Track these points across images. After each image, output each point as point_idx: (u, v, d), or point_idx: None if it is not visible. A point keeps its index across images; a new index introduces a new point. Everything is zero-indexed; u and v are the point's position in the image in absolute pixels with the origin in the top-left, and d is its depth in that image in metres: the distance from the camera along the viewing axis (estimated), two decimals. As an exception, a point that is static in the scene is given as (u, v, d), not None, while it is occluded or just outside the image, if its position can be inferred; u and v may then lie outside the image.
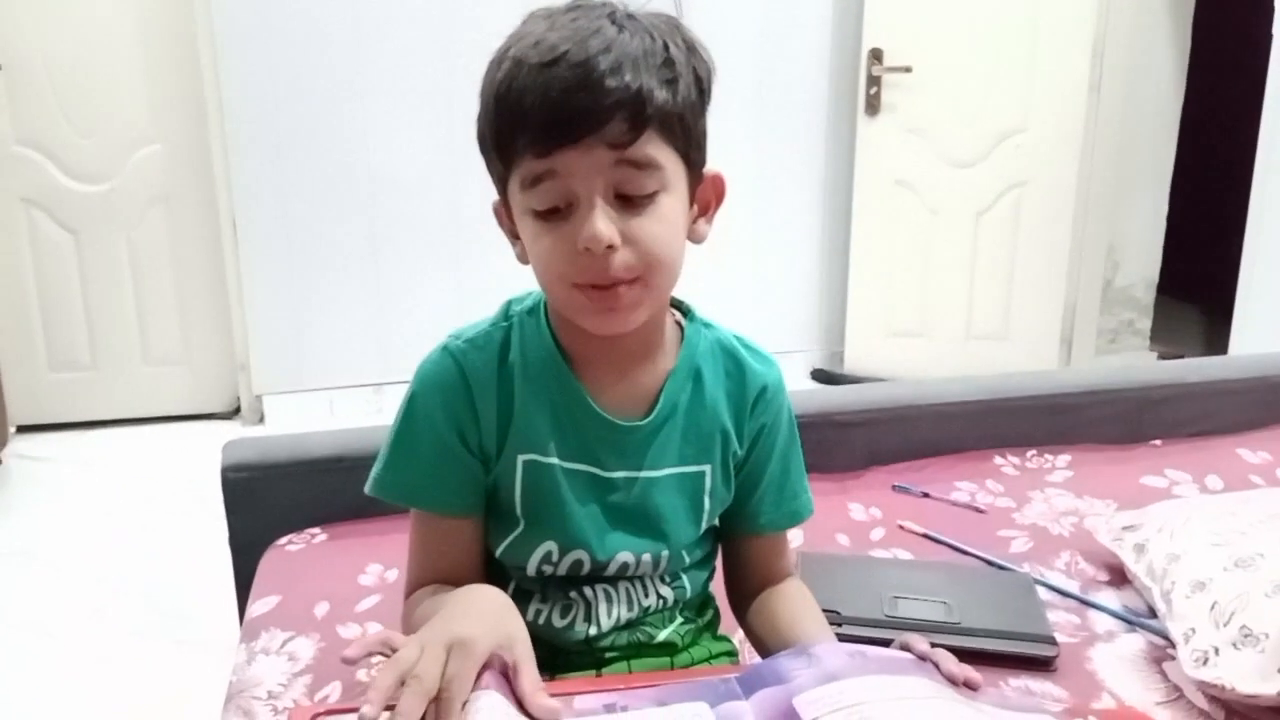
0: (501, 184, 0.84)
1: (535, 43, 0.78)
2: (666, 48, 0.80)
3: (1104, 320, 3.69)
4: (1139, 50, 3.47)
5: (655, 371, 0.92)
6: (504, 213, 0.88)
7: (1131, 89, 3.48)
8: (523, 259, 0.87)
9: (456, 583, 0.87)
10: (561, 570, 0.92)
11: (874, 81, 3.38)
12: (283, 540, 1.45)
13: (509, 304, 0.94)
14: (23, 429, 3.23)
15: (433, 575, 0.91)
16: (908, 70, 3.35)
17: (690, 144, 0.83)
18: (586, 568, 0.92)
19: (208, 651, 2.07)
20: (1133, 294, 3.73)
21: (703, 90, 0.84)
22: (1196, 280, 4.02)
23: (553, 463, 0.90)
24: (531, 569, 0.92)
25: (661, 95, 0.78)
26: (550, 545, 0.91)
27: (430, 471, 0.90)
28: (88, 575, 2.45)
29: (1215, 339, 3.75)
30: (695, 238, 0.88)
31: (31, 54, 3.08)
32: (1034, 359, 3.52)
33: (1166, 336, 3.86)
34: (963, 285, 3.56)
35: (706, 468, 0.94)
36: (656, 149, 0.79)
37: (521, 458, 0.90)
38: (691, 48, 0.83)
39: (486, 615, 0.78)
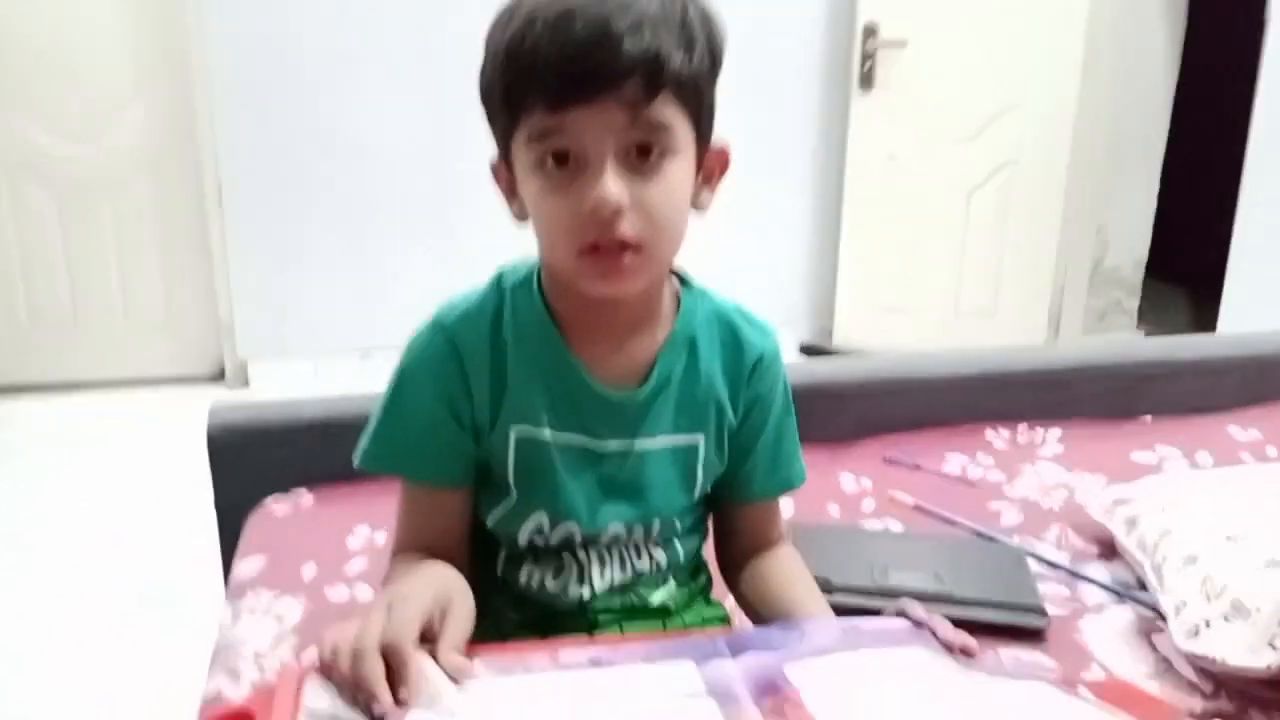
0: (505, 139, 0.83)
1: None
2: (685, 10, 0.79)
3: (1092, 300, 3.69)
4: (1133, 30, 3.46)
5: (650, 341, 0.91)
6: (503, 170, 0.86)
7: (1124, 69, 3.47)
8: (520, 217, 0.86)
9: (442, 550, 0.87)
10: (553, 541, 0.92)
11: (868, 56, 3.35)
12: (269, 501, 1.44)
13: (500, 275, 0.92)
14: (1, 390, 3.20)
15: (418, 543, 0.90)
16: (902, 45, 3.33)
17: (702, 111, 0.82)
18: (578, 538, 0.92)
19: (192, 615, 2.05)
20: (1121, 274, 3.74)
21: (715, 59, 0.83)
22: (1185, 261, 4.02)
23: (545, 435, 0.89)
24: (523, 539, 0.92)
25: (679, 58, 0.77)
26: (541, 517, 0.91)
27: (421, 445, 0.90)
28: (69, 540, 2.43)
29: (1203, 320, 3.76)
30: (698, 205, 0.87)
31: (11, 14, 3.03)
32: (1021, 337, 3.53)
33: (1154, 317, 3.87)
34: (952, 262, 3.56)
35: (700, 438, 0.93)
36: (671, 113, 0.78)
37: (514, 430, 0.89)
38: (706, 15, 0.82)
39: (429, 575, 0.81)
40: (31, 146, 3.14)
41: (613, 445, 0.90)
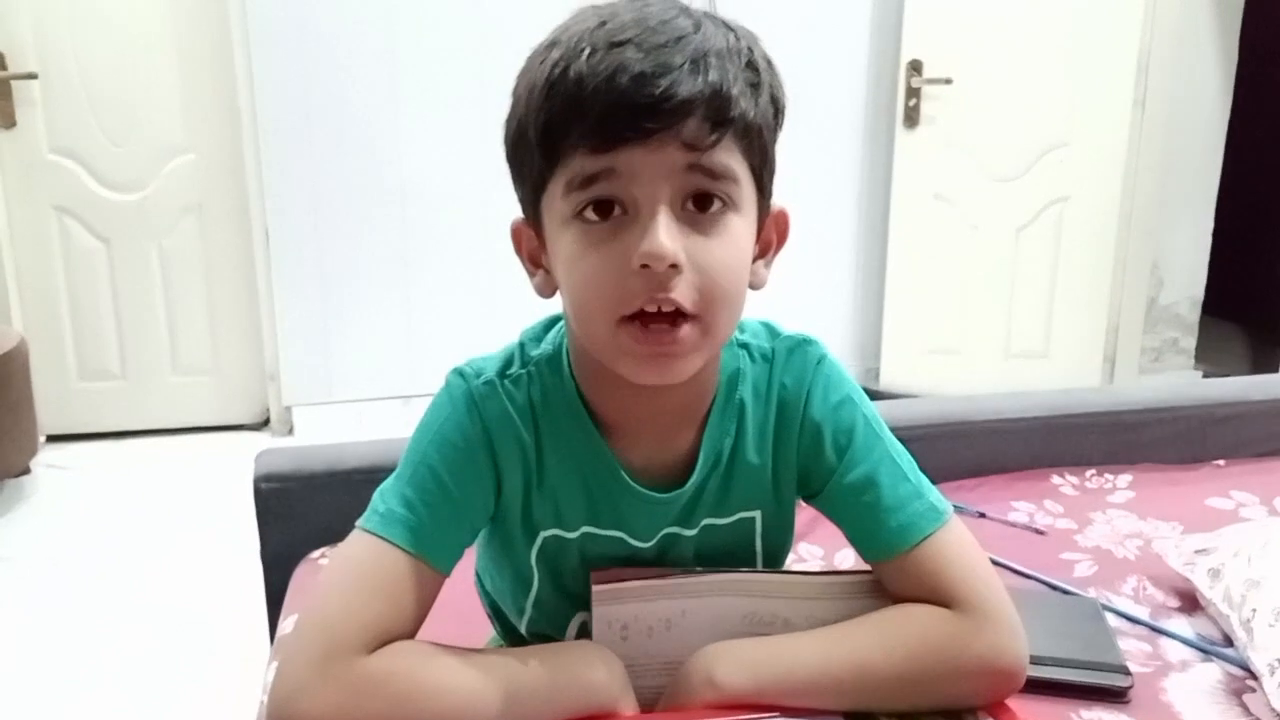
0: (535, 192, 0.73)
1: (599, 24, 0.68)
2: (750, 50, 0.71)
3: (1147, 339, 3.61)
4: (1184, 64, 3.41)
5: (695, 421, 0.81)
6: (527, 232, 0.77)
7: (1176, 103, 3.41)
8: (543, 291, 0.77)
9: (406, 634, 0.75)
10: None
11: (913, 93, 3.32)
12: (316, 554, 1.41)
13: (523, 345, 0.82)
14: (52, 438, 3.22)
15: (397, 627, 0.74)
16: (948, 82, 3.29)
17: (765, 166, 0.74)
18: None
19: (238, 667, 2.03)
20: (1177, 312, 3.65)
21: (778, 111, 0.74)
22: (1242, 298, 3.93)
23: (576, 535, 0.81)
24: (571, 634, 0.85)
25: (745, 100, 0.69)
26: (584, 615, 0.84)
27: (443, 525, 0.77)
28: (115, 586, 2.41)
29: (1262, 358, 3.67)
30: (754, 282, 0.76)
31: (66, 62, 3.08)
32: (1075, 378, 3.45)
33: (1212, 356, 3.77)
34: (1002, 302, 3.49)
35: (756, 513, 0.84)
36: (734, 160, 0.70)
37: (544, 533, 0.82)
38: (771, 62, 0.74)
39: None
40: (82, 192, 3.18)
41: (652, 543, 0.83)
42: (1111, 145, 3.35)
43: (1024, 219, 3.43)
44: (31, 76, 3.05)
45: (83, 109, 3.12)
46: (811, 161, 3.45)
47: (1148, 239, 3.49)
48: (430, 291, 3.32)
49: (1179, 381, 3.47)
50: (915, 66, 3.30)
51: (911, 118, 3.36)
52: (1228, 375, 3.47)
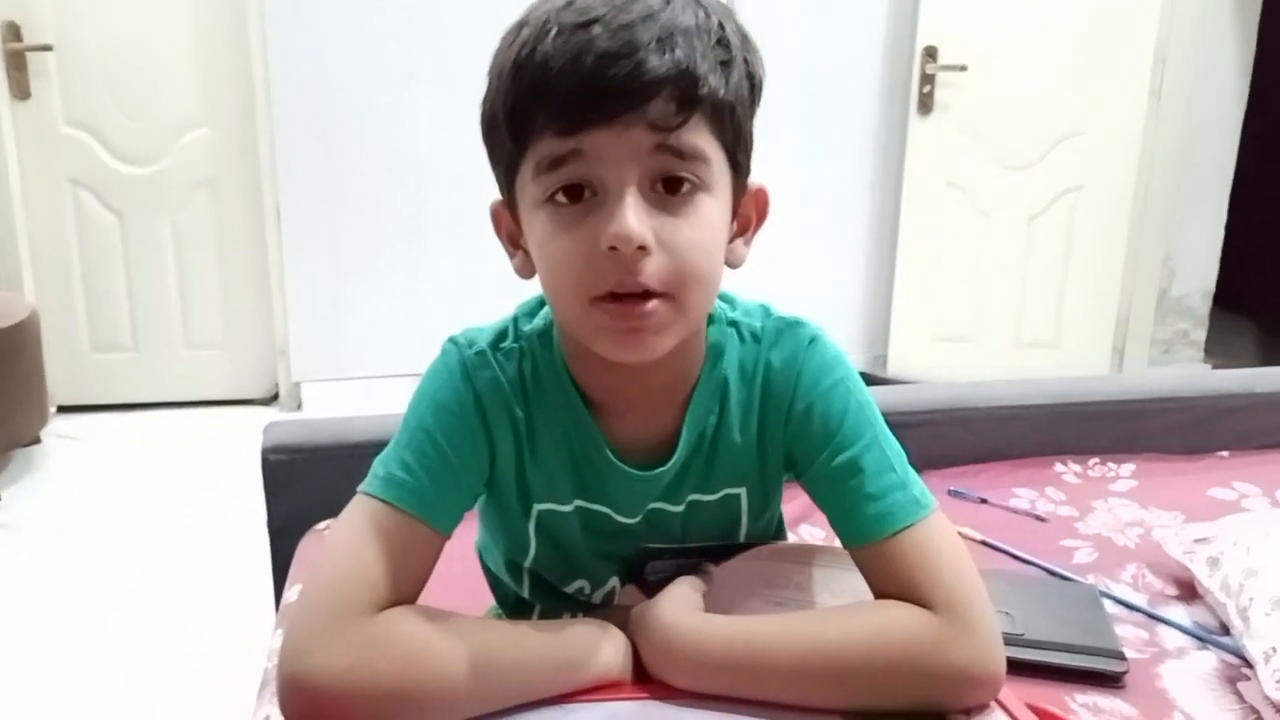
0: (509, 173, 0.75)
1: (567, 3, 0.68)
2: (721, 27, 0.70)
3: (1157, 330, 3.60)
4: (1202, 55, 3.39)
5: (679, 398, 0.82)
6: (505, 215, 0.79)
7: (1193, 95, 3.40)
8: (523, 272, 0.78)
9: (411, 601, 0.77)
10: (598, 598, 0.87)
11: (927, 80, 3.31)
12: (321, 525, 1.42)
13: (516, 319, 0.84)
14: (63, 409, 3.25)
15: (402, 592, 0.76)
16: (963, 69, 3.28)
17: (739, 144, 0.73)
18: (619, 590, 0.88)
19: (243, 636, 2.04)
20: (1188, 304, 3.64)
21: (754, 85, 0.74)
22: (1254, 292, 3.91)
23: (569, 508, 0.83)
24: (570, 590, 0.88)
25: (715, 78, 0.68)
26: (580, 582, 0.87)
27: (442, 488, 0.78)
28: (123, 556, 2.44)
29: (1272, 353, 3.65)
30: (732, 260, 0.77)
31: (82, 35, 3.09)
32: (1084, 368, 3.45)
33: (1221, 349, 3.76)
34: (1013, 291, 3.49)
35: (741, 490, 0.85)
36: (704, 141, 0.69)
37: (538, 506, 0.83)
38: (746, 36, 0.73)
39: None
40: (96, 165, 3.19)
41: (638, 519, 0.84)
42: (1126, 135, 3.33)
43: (1037, 208, 3.42)
44: (47, 49, 3.07)
45: (97, 82, 3.13)
46: (825, 147, 3.44)
47: (1160, 230, 3.48)
48: (441, 269, 3.33)
49: (1182, 372, 3.47)
50: (930, 53, 3.29)
51: (926, 104, 3.34)
52: (1238, 368, 3.46)
